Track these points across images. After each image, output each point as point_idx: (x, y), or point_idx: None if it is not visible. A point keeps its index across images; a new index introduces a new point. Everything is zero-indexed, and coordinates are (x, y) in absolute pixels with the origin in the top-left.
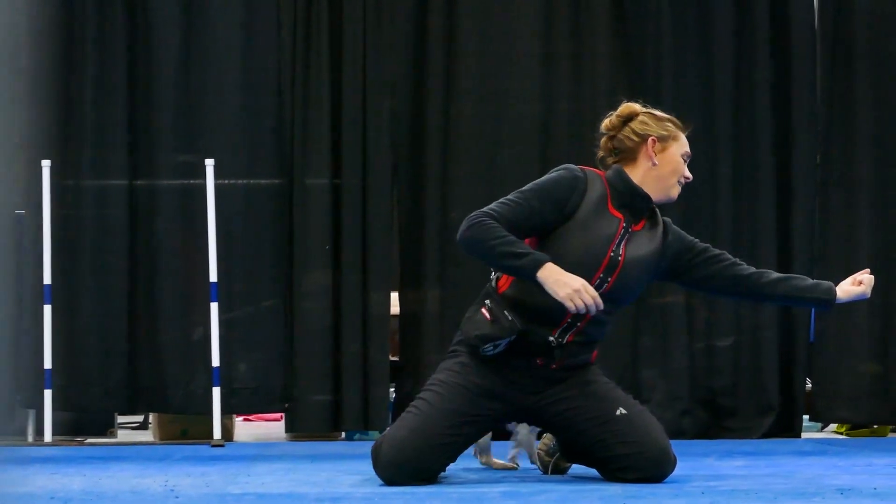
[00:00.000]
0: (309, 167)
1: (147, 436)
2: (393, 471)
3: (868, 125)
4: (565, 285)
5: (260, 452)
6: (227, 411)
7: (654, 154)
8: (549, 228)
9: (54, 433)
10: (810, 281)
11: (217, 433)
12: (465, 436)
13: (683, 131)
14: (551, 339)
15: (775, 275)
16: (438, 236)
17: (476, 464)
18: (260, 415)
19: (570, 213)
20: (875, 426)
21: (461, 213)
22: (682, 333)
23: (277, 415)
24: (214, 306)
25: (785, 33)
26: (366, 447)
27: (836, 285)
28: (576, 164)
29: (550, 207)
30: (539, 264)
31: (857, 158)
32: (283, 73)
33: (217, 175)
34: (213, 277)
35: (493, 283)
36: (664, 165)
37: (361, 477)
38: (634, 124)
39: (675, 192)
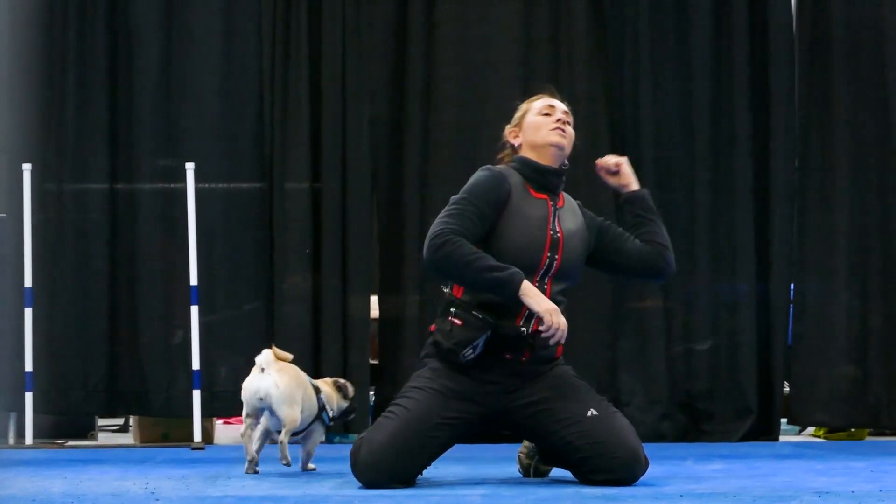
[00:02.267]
0: (289, 171)
1: (128, 438)
2: (371, 474)
3: (845, 130)
4: (545, 301)
5: (240, 455)
6: (208, 414)
7: (517, 137)
8: (491, 229)
9: (35, 436)
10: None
11: (198, 436)
12: (441, 439)
13: (537, 99)
14: (523, 329)
15: (646, 236)
16: (417, 241)
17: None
18: (240, 418)
19: (503, 208)
20: (853, 429)
21: None
22: (661, 337)
23: None
24: (195, 309)
25: (763, 37)
26: (346, 450)
27: None
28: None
29: (492, 208)
30: (521, 278)
31: (834, 163)
32: (263, 78)
33: (197, 179)
34: (194, 281)
35: (450, 291)
36: (527, 133)
37: (342, 480)
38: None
39: (552, 137)
